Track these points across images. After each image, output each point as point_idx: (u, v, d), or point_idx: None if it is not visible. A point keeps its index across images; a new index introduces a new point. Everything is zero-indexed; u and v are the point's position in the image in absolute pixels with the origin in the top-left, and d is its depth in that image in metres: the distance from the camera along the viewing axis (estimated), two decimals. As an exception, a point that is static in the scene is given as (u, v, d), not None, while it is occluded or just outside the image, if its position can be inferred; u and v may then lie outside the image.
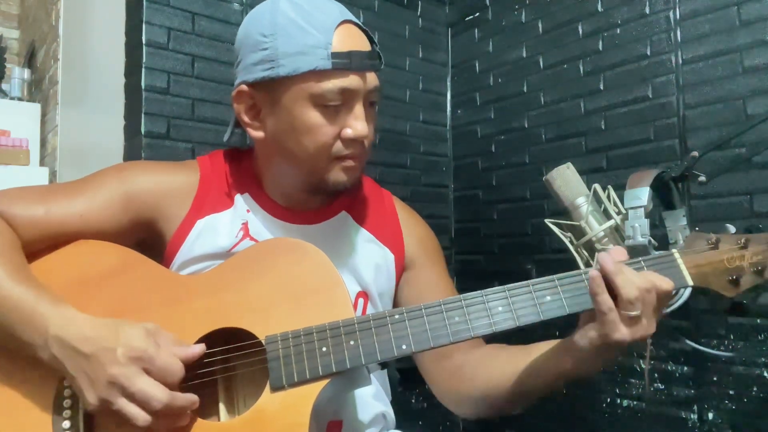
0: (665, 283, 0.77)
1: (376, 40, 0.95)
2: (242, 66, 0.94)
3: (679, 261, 0.82)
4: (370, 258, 1.02)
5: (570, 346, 0.81)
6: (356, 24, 0.93)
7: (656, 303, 0.76)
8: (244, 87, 0.93)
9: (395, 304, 1.07)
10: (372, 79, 0.92)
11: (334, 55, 0.87)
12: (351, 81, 0.89)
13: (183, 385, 0.81)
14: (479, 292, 0.80)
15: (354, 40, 0.91)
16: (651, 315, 0.76)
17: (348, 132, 0.91)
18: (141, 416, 0.73)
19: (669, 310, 1.08)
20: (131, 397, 0.73)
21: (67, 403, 0.81)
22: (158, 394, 0.73)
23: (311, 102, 0.89)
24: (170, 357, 0.76)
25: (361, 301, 1.00)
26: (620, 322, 0.75)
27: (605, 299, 0.75)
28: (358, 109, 0.91)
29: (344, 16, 0.91)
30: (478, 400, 0.96)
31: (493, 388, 0.93)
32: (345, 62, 0.88)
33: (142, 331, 0.77)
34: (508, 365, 0.92)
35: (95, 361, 0.74)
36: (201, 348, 0.80)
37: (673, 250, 0.83)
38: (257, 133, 0.96)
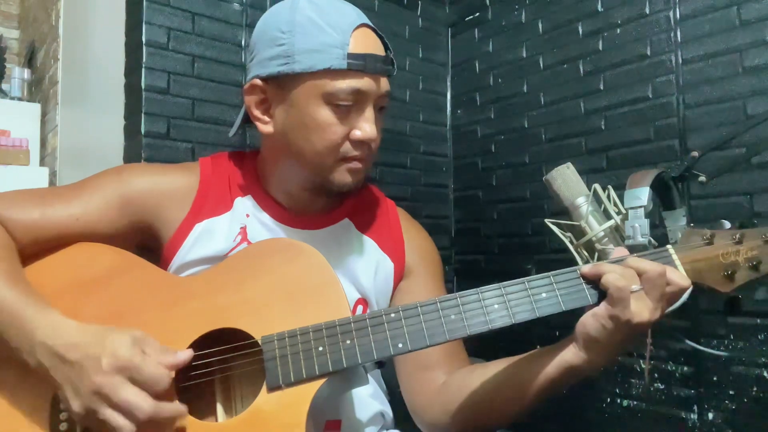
0: (674, 272, 0.78)
1: (389, 46, 0.96)
2: (257, 60, 0.95)
3: (674, 256, 0.82)
4: (370, 265, 1.02)
5: (575, 334, 0.80)
6: (373, 29, 0.94)
7: (670, 292, 0.77)
8: (257, 81, 0.94)
9: None
10: (384, 84, 0.94)
11: (350, 56, 0.88)
12: (364, 83, 0.90)
13: (180, 386, 0.81)
14: (475, 289, 0.80)
15: (370, 44, 0.92)
16: (659, 300, 0.77)
17: (357, 133, 0.91)
18: (126, 426, 0.72)
19: (669, 309, 1.08)
20: (116, 406, 0.72)
21: (64, 405, 0.81)
22: (143, 404, 0.72)
23: (323, 100, 0.90)
24: (156, 366, 0.74)
25: (360, 308, 1.00)
26: (629, 299, 0.75)
27: (616, 277, 0.76)
28: (369, 111, 0.92)
29: (362, 20, 0.93)
30: (469, 411, 0.92)
31: (487, 395, 0.91)
32: (360, 64, 0.89)
33: (128, 339, 0.75)
34: (504, 369, 0.90)
35: (80, 370, 0.73)
36: (188, 354, 0.79)
37: (668, 246, 0.84)
38: (266, 128, 0.96)
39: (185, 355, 0.78)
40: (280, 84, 0.93)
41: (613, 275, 0.76)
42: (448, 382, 0.97)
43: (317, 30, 0.89)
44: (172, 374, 0.76)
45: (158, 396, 0.74)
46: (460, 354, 1.02)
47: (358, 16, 0.93)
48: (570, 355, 0.80)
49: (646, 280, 0.76)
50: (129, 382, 0.73)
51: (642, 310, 0.76)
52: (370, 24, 0.94)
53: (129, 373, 0.73)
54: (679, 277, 0.79)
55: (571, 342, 0.81)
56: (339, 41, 0.88)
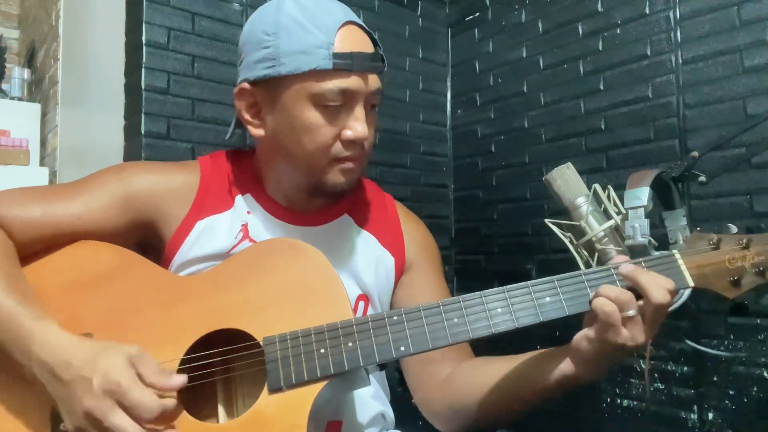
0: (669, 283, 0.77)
1: (378, 42, 0.95)
2: (245, 64, 0.94)
3: (680, 261, 0.81)
4: (371, 261, 1.02)
5: (570, 348, 0.80)
6: (360, 26, 0.92)
7: (666, 312, 0.76)
8: (245, 85, 0.93)
9: (390, 306, 1.06)
10: (374, 81, 0.92)
11: (336, 55, 0.87)
12: (352, 82, 0.89)
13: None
14: (478, 293, 0.80)
15: (357, 42, 0.90)
16: (655, 322, 0.76)
17: (348, 133, 0.90)
18: None
19: (669, 310, 1.08)
20: (106, 431, 0.71)
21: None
22: (130, 431, 0.71)
23: (311, 102, 0.89)
24: (143, 394, 0.72)
25: (361, 304, 1.00)
26: (620, 324, 0.74)
27: (604, 302, 0.75)
28: (359, 110, 0.91)
29: (348, 17, 0.91)
30: (471, 407, 0.93)
31: (488, 393, 0.91)
32: (346, 63, 0.87)
33: (122, 359, 0.73)
34: (505, 369, 0.90)
35: (71, 391, 0.73)
36: (183, 379, 0.76)
37: (674, 251, 0.83)
38: (257, 132, 0.96)
39: (179, 379, 0.76)
40: (268, 87, 0.92)
41: (600, 300, 0.75)
42: (451, 376, 0.98)
43: (302, 31, 0.88)
44: (169, 395, 0.75)
45: (149, 421, 0.73)
46: (464, 347, 1.03)
47: (344, 13, 0.91)
48: (566, 365, 0.81)
49: (648, 304, 0.75)
50: (118, 406, 0.72)
51: (637, 335, 0.74)
52: (357, 21, 0.93)
53: (116, 397, 0.71)
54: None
55: (568, 353, 0.81)
56: (324, 41, 0.87)
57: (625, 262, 0.80)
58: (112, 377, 0.72)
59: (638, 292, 0.76)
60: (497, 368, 0.91)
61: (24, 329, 0.76)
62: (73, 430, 0.74)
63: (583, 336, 0.77)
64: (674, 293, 0.77)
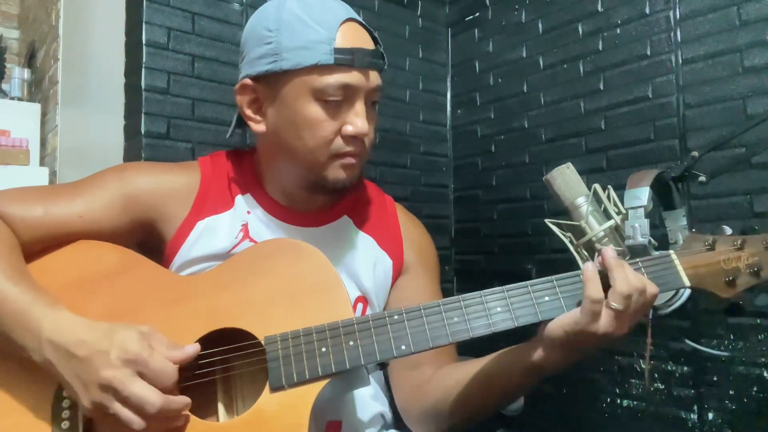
0: (653, 287, 0.78)
1: (379, 40, 0.96)
2: (246, 60, 0.95)
3: (676, 262, 0.83)
4: (369, 262, 1.02)
5: (539, 337, 0.80)
6: (361, 23, 0.94)
7: (641, 306, 0.77)
8: (247, 80, 0.95)
9: (385, 308, 1.07)
10: (374, 78, 0.93)
11: (337, 50, 0.88)
12: (353, 77, 0.89)
13: (182, 386, 0.81)
14: (478, 292, 0.80)
15: (358, 38, 0.92)
16: (632, 316, 0.77)
17: (348, 129, 0.91)
18: (136, 420, 0.73)
19: (668, 310, 1.08)
20: (125, 401, 0.73)
21: (66, 403, 0.81)
22: (152, 398, 0.73)
23: (312, 96, 0.90)
24: (164, 360, 0.75)
25: (360, 305, 1.00)
26: (601, 314, 0.75)
27: (597, 288, 0.76)
28: (359, 106, 0.92)
29: (349, 15, 0.92)
30: (443, 409, 0.93)
31: (458, 394, 0.91)
32: (348, 58, 0.88)
33: (136, 333, 0.76)
34: (473, 367, 0.91)
35: (89, 365, 0.74)
36: (195, 348, 0.80)
37: (670, 251, 0.84)
38: (259, 127, 0.97)
39: (192, 349, 0.79)
40: (270, 83, 0.93)
41: (593, 286, 0.76)
42: (428, 380, 0.98)
43: (303, 27, 0.89)
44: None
45: (165, 390, 0.75)
46: (449, 353, 1.03)
47: (345, 11, 0.93)
48: (536, 355, 0.81)
49: (629, 298, 0.76)
50: (138, 376, 0.73)
51: (610, 326, 0.75)
52: (358, 18, 0.94)
53: (137, 366, 0.74)
54: (650, 285, 0.78)
55: (536, 343, 0.81)
56: (325, 37, 0.88)
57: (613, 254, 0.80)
58: (130, 349, 0.74)
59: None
60: (470, 368, 0.92)
61: (33, 314, 0.77)
62: (88, 406, 0.74)
63: (558, 324, 0.78)
64: (652, 296, 0.77)
